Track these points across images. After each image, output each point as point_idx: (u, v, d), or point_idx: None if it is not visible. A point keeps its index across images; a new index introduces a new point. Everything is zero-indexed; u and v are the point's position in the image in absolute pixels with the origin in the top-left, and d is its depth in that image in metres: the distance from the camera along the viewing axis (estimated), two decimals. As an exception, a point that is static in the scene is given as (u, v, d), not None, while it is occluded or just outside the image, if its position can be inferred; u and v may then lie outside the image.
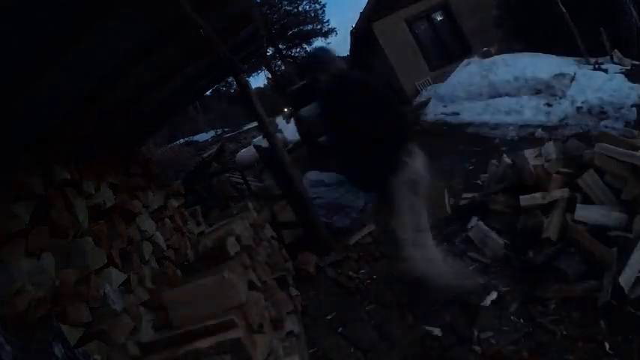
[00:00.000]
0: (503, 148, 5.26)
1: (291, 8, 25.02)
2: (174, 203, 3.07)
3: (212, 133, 18.15)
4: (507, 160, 3.43)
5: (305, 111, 6.15)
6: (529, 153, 3.17)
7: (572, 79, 5.48)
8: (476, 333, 2.27)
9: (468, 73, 7.47)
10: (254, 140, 11.63)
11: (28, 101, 1.38)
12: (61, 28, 1.21)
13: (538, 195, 2.86)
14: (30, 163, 1.61)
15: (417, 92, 9.66)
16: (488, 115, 6.32)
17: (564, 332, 2.12)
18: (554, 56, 6.33)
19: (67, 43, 1.30)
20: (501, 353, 2.12)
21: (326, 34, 26.04)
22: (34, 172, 1.60)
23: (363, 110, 2.20)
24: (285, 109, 13.26)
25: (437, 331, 2.33)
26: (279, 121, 13.01)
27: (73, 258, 1.60)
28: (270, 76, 26.45)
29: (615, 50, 5.94)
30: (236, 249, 2.20)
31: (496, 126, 5.99)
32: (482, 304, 2.42)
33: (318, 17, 25.79)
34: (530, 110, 5.68)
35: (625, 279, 2.10)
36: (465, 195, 3.95)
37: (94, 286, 1.60)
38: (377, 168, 2.25)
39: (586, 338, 2.04)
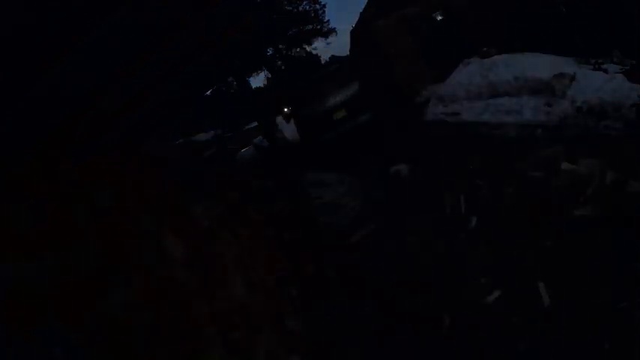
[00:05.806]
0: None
1: (291, 8, 24.99)
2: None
3: (212, 133, 18.15)
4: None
5: None
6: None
7: (572, 79, 5.47)
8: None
9: (468, 73, 7.47)
10: (254, 140, 11.62)
11: (28, 101, 1.38)
12: (60, 28, 1.20)
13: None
14: (30, 163, 1.61)
15: (417, 92, 9.65)
16: (488, 115, 6.31)
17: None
18: (554, 56, 6.31)
19: (67, 42, 1.29)
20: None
21: (326, 35, 26.01)
22: (34, 172, 1.60)
23: None
24: (285, 109, 13.24)
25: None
26: (279, 121, 12.99)
27: (73, 258, 1.59)
28: (270, 75, 26.40)
29: (615, 50, 5.93)
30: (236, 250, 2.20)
31: (496, 126, 5.98)
32: None
33: (318, 17, 25.76)
34: (530, 110, 5.67)
35: None
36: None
37: (94, 286, 1.59)
38: None
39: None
